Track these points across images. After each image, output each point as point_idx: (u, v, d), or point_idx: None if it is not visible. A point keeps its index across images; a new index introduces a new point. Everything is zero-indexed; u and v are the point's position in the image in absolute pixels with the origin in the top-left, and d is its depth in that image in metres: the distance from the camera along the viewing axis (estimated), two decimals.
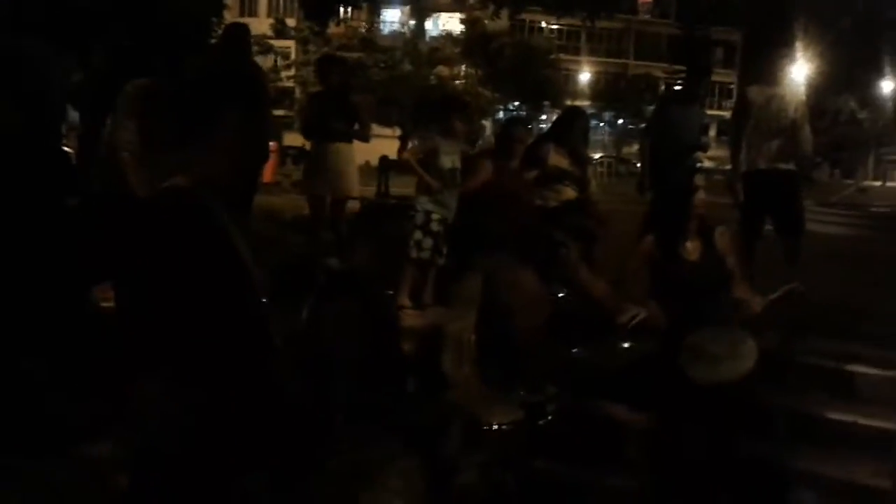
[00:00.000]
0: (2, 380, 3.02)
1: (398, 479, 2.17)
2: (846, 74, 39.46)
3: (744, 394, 3.44)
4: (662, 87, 44.51)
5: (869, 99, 46.03)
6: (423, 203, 5.15)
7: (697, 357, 3.48)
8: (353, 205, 7.35)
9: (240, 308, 1.89)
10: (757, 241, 5.72)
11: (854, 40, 41.00)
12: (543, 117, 36.97)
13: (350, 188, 6.14)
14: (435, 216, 5.14)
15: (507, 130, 5.40)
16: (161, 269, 1.78)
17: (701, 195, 3.89)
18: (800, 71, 33.55)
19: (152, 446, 1.81)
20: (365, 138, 6.22)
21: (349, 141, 6.05)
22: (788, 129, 5.67)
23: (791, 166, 5.69)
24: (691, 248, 3.90)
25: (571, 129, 5.81)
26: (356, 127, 6.11)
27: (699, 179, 3.99)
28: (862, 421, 3.82)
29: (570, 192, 5.57)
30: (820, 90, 35.19)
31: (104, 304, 3.26)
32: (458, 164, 5.22)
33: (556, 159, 5.59)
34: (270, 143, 16.12)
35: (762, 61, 6.15)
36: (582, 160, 5.77)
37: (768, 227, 5.87)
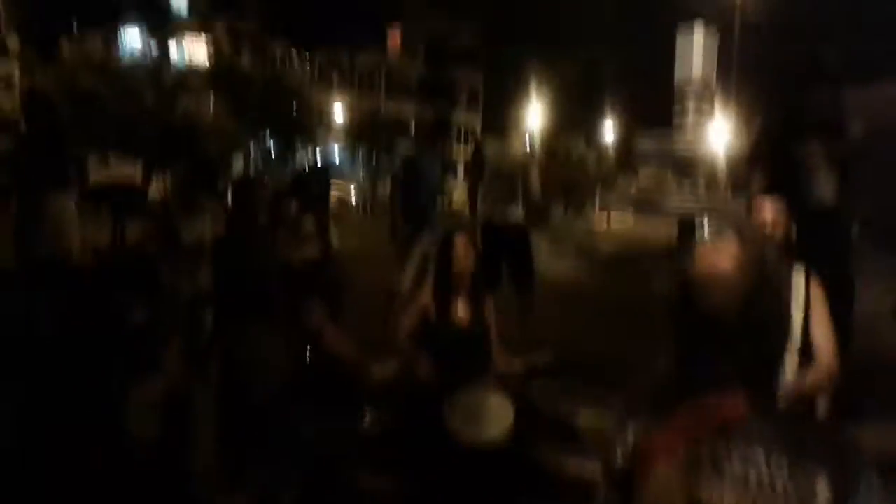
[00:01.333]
0: None
1: None
2: (576, 117, 43.66)
3: (499, 452, 3.54)
4: (413, 123, 46.20)
5: (593, 139, 51.13)
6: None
7: (459, 415, 3.54)
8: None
9: None
10: (495, 291, 5.97)
11: (579, 86, 45.61)
12: (299, 151, 36.70)
13: (68, 245, 5.57)
14: (185, 285, 4.81)
15: (243, 189, 5.16)
16: None
17: (464, 258, 3.93)
18: (534, 115, 36.60)
19: None
20: (83, 190, 5.71)
21: (64, 190, 5.51)
22: (519, 178, 6.00)
23: (521, 220, 6.01)
24: (463, 309, 3.97)
25: (310, 185, 5.73)
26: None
27: (461, 239, 3.99)
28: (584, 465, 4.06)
29: (312, 250, 5.47)
30: (553, 132, 38.57)
31: None
32: (205, 232, 4.92)
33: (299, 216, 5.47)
34: None
35: (500, 113, 6.53)
36: (322, 216, 5.68)
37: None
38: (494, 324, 4.08)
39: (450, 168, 7.14)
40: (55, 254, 5.47)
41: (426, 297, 4.05)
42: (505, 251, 5.91)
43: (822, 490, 1.23)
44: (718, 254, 1.43)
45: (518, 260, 5.96)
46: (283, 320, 4.51)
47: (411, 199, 6.48)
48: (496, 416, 3.57)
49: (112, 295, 5.56)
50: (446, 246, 4.02)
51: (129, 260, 7.78)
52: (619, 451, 1.46)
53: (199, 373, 3.93)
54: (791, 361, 3.01)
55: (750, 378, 1.39)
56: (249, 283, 4.47)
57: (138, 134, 26.29)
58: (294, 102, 34.18)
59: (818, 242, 3.61)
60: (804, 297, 3.13)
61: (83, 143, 5.88)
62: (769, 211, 3.31)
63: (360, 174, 42.67)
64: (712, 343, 1.41)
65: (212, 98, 31.19)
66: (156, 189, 12.40)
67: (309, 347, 4.66)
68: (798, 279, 3.13)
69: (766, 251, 1.52)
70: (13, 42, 27.62)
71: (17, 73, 27.79)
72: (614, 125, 47.69)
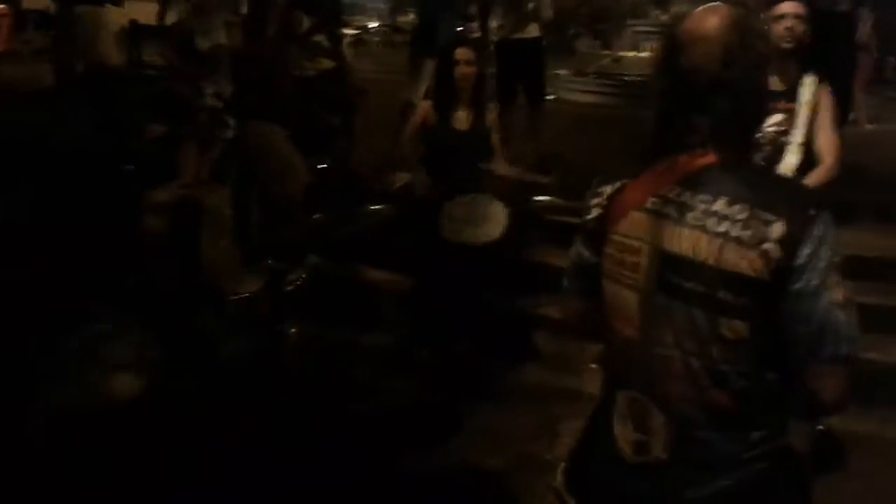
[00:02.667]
0: None
1: (127, 351, 2.13)
2: None
3: (495, 253, 3.71)
4: None
5: None
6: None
7: (454, 220, 3.68)
8: None
9: None
10: (512, 107, 5.97)
11: None
12: None
13: (106, 55, 5.61)
14: (207, 91, 4.83)
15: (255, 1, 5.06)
16: None
17: (464, 68, 3.95)
18: None
19: None
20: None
21: (98, 4, 5.50)
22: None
23: (536, 34, 5.93)
24: (463, 117, 4.00)
25: None
26: None
27: (462, 52, 4.02)
28: None
29: (327, 62, 5.44)
30: None
31: None
32: (220, 40, 4.86)
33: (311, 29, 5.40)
34: (1, 6, 14.04)
35: None
36: (334, 32, 5.58)
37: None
38: (497, 130, 4.12)
39: None
40: (90, 65, 5.53)
41: (426, 104, 4.08)
42: (519, 66, 5.86)
43: (776, 231, 1.29)
44: (711, 13, 1.44)
45: (531, 72, 5.92)
46: (298, 129, 4.60)
47: (426, 22, 6.36)
48: (492, 218, 3.69)
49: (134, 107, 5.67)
50: (447, 55, 4.04)
51: (147, 74, 7.83)
52: (593, 205, 1.52)
53: (216, 176, 4.06)
54: (791, 160, 3.11)
55: (722, 134, 1.42)
56: (264, 91, 4.50)
57: None
58: None
59: (829, 50, 3.57)
60: (812, 102, 3.16)
61: None
62: (789, 10, 3.24)
63: (382, 6, 41.15)
64: (689, 101, 1.43)
65: None
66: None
67: (324, 156, 4.78)
68: (808, 82, 3.15)
69: (760, 28, 1.52)
70: None
71: None
72: None
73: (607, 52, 17.74)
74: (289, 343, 3.39)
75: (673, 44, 1.45)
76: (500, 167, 4.05)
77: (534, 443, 3.06)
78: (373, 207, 3.94)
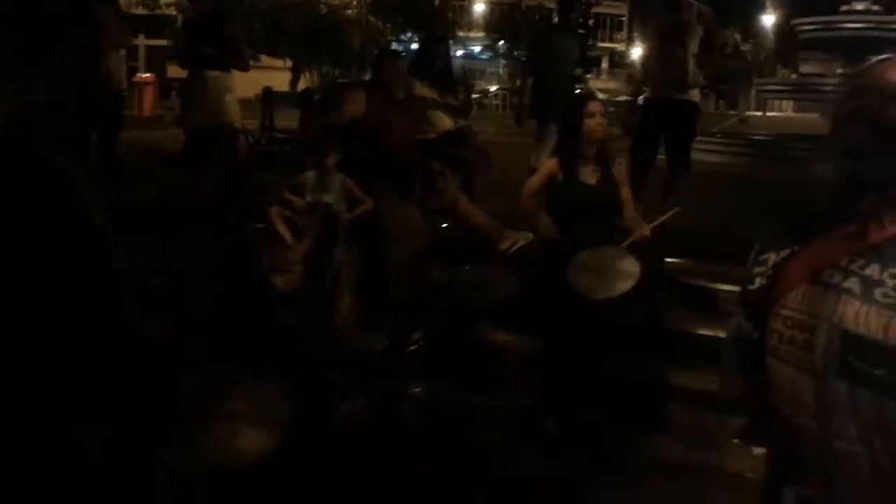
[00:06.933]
0: None
1: (255, 407, 2.10)
2: (731, 8, 40.80)
3: (620, 313, 3.55)
4: (555, 19, 44.39)
5: (751, 32, 47.65)
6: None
7: (584, 270, 3.56)
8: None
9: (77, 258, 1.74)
10: (650, 168, 5.82)
11: None
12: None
13: (229, 118, 5.86)
14: None
15: (379, 61, 5.15)
16: None
17: (599, 120, 3.91)
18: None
19: None
20: (243, 66, 5.95)
21: (226, 69, 5.78)
22: (688, 58, 5.69)
23: (698, 98, 5.79)
24: (590, 172, 3.96)
25: (432, 56, 5.64)
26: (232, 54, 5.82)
27: (595, 105, 4.00)
28: (721, 335, 3.97)
29: (447, 123, 5.47)
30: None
31: None
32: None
33: (421, 90, 5.45)
34: (147, 75, 15.12)
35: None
36: (452, 85, 5.60)
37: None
38: (626, 184, 4.01)
39: (584, 49, 6.89)
40: (216, 127, 5.77)
41: (553, 161, 4.05)
42: (671, 127, 5.71)
43: None
44: None
45: (683, 136, 5.76)
46: (419, 190, 4.62)
47: (544, 82, 6.32)
48: (624, 271, 3.53)
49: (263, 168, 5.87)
50: (577, 110, 3.97)
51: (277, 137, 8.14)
52: (756, 273, 1.38)
53: (342, 237, 4.09)
54: None
55: None
56: (387, 155, 4.55)
57: (286, 33, 27.08)
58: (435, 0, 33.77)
59: None
60: None
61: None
62: None
63: (501, 71, 42.00)
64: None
65: None
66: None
67: (444, 214, 4.76)
68: None
69: None
70: None
71: None
72: (774, 14, 44.11)
73: (733, 112, 17.34)
74: (411, 403, 3.33)
75: (873, 97, 1.30)
76: (632, 220, 3.91)
77: None
78: (492, 267, 3.88)
